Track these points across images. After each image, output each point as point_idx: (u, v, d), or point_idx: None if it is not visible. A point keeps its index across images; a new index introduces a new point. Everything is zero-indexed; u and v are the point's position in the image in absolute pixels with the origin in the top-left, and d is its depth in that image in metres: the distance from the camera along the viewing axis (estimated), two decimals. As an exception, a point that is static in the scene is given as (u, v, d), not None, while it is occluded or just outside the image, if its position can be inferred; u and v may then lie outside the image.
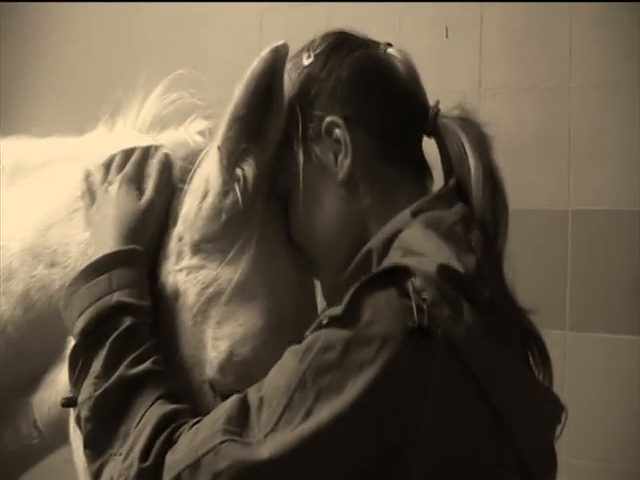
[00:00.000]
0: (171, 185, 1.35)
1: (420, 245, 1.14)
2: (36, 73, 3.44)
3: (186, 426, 1.13)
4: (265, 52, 1.20)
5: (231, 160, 1.26)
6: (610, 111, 2.48)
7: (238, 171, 1.26)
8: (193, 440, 1.10)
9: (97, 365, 1.20)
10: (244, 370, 1.24)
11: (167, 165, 1.36)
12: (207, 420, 1.12)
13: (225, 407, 1.11)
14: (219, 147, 1.26)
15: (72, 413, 1.32)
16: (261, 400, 1.09)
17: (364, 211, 1.27)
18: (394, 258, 1.15)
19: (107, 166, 1.39)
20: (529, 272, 2.46)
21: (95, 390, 1.18)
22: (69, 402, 1.24)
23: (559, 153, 2.55)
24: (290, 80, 1.29)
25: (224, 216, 1.27)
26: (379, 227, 1.24)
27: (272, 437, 1.05)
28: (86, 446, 1.20)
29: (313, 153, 1.29)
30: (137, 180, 1.35)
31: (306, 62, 1.31)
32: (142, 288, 1.26)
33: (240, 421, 1.08)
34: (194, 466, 1.08)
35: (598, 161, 2.49)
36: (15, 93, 3.39)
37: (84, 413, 1.19)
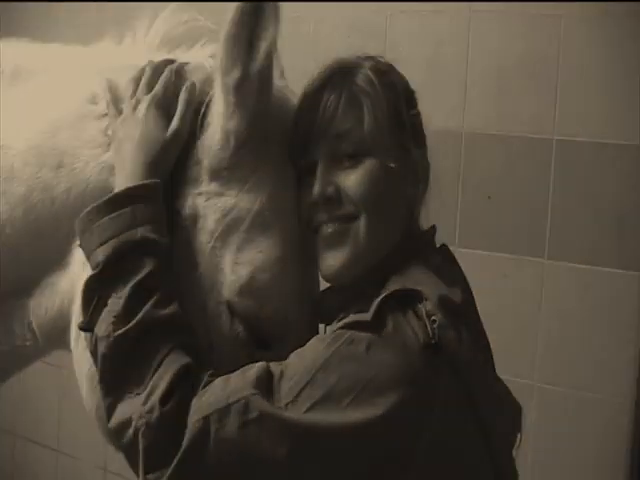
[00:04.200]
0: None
1: (420, 279, 1.27)
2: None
3: (207, 376, 1.20)
4: None
5: (232, 76, 1.27)
6: (600, 43, 2.48)
7: (241, 89, 1.27)
8: (224, 388, 1.17)
9: (117, 304, 1.22)
10: (263, 295, 1.30)
11: (194, 96, 1.36)
12: (238, 373, 1.19)
13: (254, 368, 1.19)
14: (220, 66, 1.28)
15: (73, 321, 1.36)
16: (282, 373, 1.18)
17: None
18: (401, 283, 1.26)
19: (137, 80, 1.39)
20: (510, 198, 2.52)
21: (115, 330, 1.21)
22: (86, 328, 1.26)
23: (546, 81, 2.56)
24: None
25: (232, 140, 1.30)
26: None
27: (292, 406, 1.15)
28: (101, 381, 1.24)
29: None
30: (166, 105, 1.36)
31: None
32: (163, 224, 1.29)
33: (266, 384, 1.17)
34: (224, 411, 1.15)
35: (585, 92, 2.50)
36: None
37: (101, 350, 1.22)
